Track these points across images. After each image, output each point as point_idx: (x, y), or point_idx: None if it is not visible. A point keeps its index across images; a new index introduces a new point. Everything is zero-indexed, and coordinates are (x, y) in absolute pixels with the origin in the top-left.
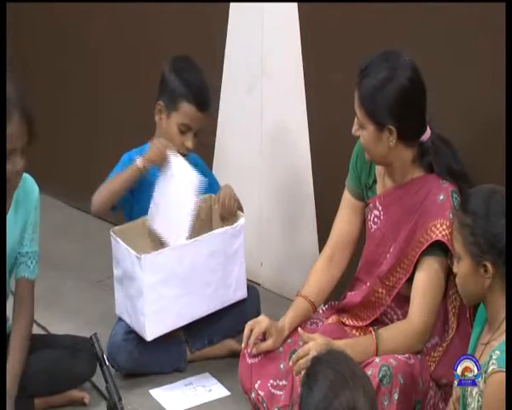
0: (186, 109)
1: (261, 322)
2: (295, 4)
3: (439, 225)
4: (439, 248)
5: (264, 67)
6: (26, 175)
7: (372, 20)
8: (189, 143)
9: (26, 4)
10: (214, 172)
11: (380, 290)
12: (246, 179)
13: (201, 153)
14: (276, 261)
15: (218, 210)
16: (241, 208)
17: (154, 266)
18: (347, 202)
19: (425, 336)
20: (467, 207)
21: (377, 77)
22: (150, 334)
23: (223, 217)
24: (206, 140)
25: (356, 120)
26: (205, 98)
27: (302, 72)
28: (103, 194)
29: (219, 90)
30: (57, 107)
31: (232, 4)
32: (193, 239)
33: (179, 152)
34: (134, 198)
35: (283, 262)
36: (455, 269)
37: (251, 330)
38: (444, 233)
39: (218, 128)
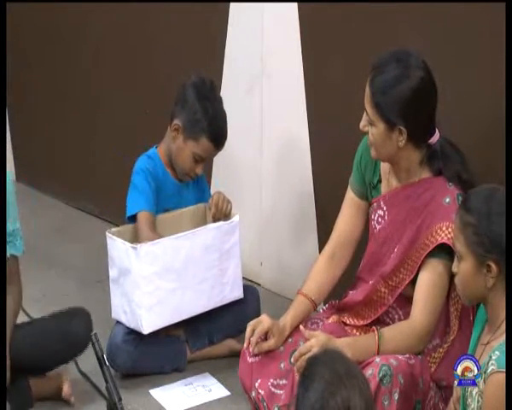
0: (205, 145)
1: (263, 322)
2: (295, 4)
3: (444, 228)
4: (444, 251)
5: (264, 67)
6: None
7: (372, 20)
8: (200, 171)
9: (26, 4)
10: (214, 171)
11: (382, 290)
12: (246, 179)
13: None
14: (276, 261)
15: (211, 212)
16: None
17: (149, 257)
18: (350, 200)
19: (426, 338)
20: (469, 207)
21: (390, 75)
22: (147, 327)
23: (217, 219)
24: None
25: (364, 115)
26: (223, 139)
27: (302, 72)
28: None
29: (219, 91)
30: (57, 107)
31: (232, 4)
32: (188, 231)
33: (189, 176)
34: None
35: (283, 262)
36: (454, 269)
37: (253, 330)
38: (449, 236)
39: None
